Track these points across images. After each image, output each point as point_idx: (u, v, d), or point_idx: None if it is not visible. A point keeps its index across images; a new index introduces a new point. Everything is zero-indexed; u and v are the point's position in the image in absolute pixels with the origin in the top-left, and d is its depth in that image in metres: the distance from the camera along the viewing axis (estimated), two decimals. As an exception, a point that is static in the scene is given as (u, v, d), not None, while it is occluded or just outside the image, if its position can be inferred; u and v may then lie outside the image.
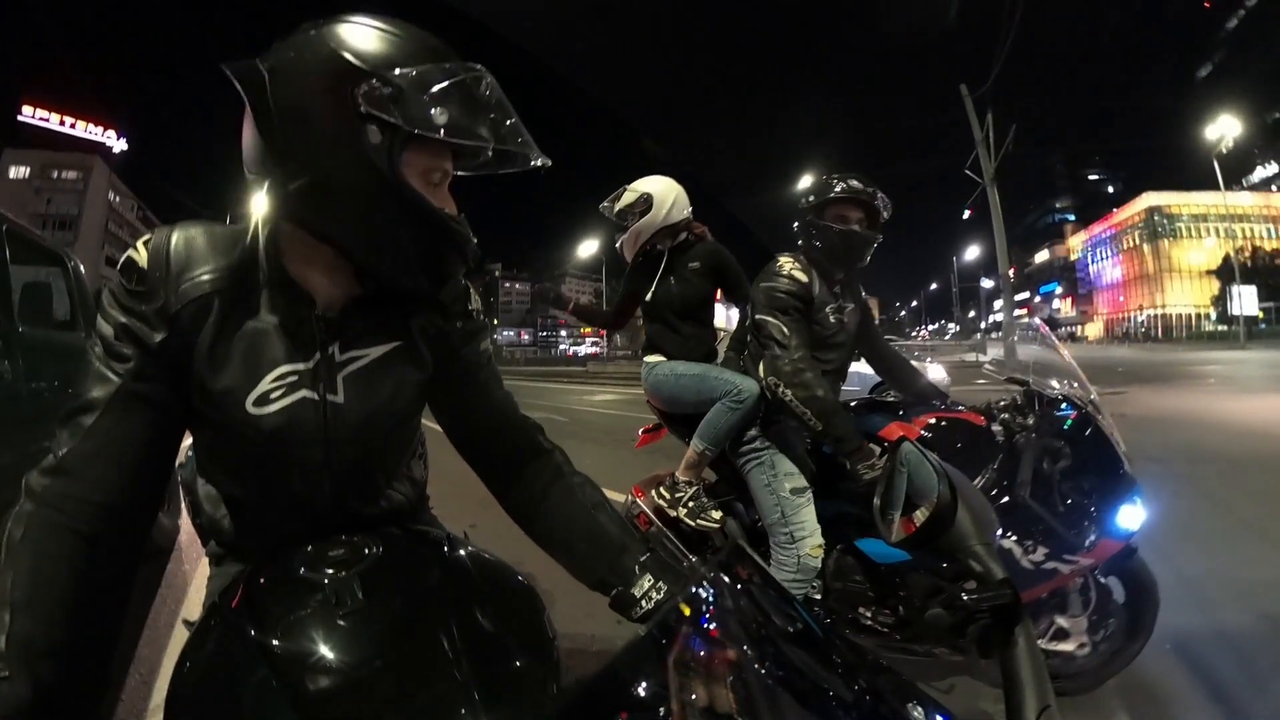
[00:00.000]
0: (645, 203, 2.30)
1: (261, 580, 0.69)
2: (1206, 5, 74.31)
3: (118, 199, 61.04)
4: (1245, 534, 3.42)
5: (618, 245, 2.44)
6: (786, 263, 1.93)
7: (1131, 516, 1.73)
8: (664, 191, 2.31)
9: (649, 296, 2.36)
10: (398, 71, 0.65)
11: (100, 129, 61.10)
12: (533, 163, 0.77)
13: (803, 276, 1.91)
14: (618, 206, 2.37)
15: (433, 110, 0.65)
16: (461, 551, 0.78)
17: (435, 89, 0.65)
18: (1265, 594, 2.60)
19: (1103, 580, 1.91)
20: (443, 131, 0.66)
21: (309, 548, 0.71)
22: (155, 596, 2.61)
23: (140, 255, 0.70)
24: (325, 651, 0.57)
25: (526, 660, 0.65)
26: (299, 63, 0.65)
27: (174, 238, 0.71)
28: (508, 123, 0.71)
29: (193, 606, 2.44)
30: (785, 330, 1.85)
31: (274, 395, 0.73)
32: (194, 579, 2.81)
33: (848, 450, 1.75)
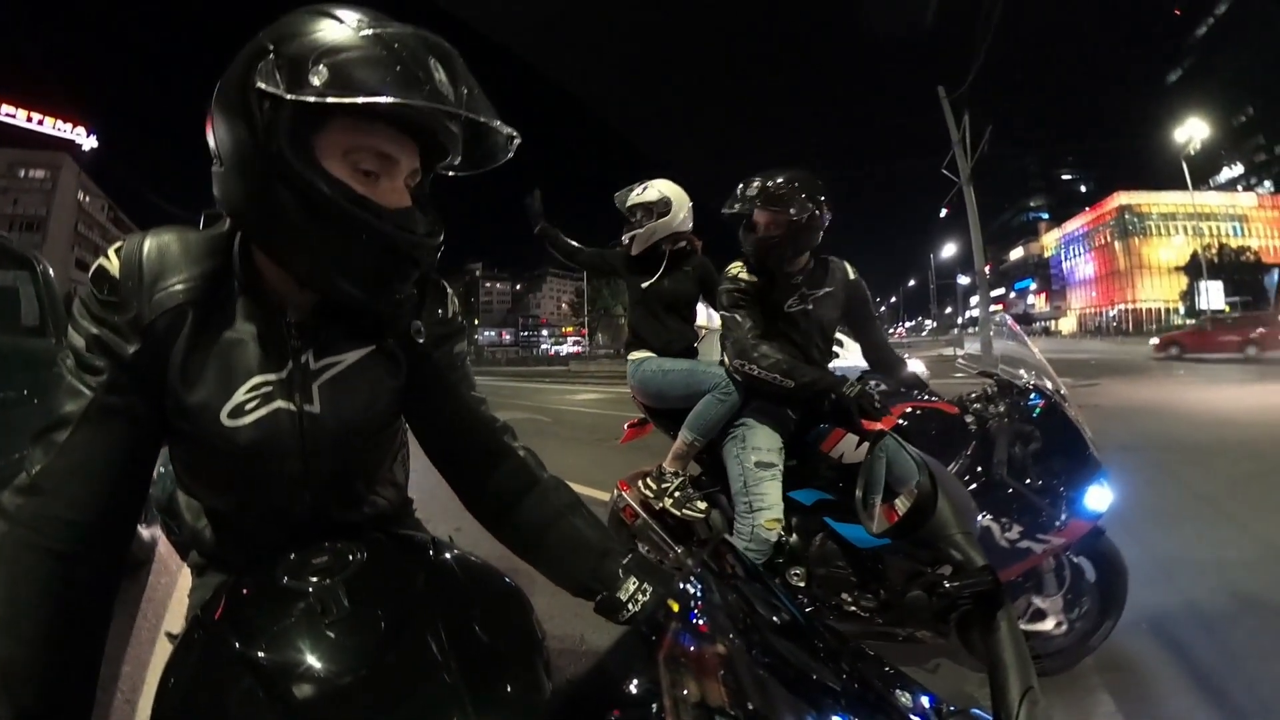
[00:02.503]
0: (665, 205, 2.44)
1: (244, 591, 0.68)
2: (1177, 13, 76.22)
3: (87, 199, 59.25)
4: (1213, 516, 3.55)
5: (626, 238, 2.51)
6: (734, 267, 2.13)
7: (1099, 498, 1.81)
8: (681, 200, 2.47)
9: (646, 285, 2.46)
10: (296, 41, 0.60)
11: (69, 126, 59.14)
12: (502, 133, 0.70)
13: (750, 277, 2.07)
14: (639, 199, 2.46)
15: (314, 71, 0.59)
16: (447, 555, 0.77)
17: (322, 49, 0.59)
18: (1233, 572, 2.71)
19: (1074, 560, 1.99)
20: (325, 94, 0.58)
21: (292, 556, 0.70)
22: (137, 610, 2.55)
23: (112, 264, 0.68)
24: (312, 661, 0.57)
25: (516, 662, 0.65)
26: (236, 57, 0.64)
27: (146, 245, 0.69)
28: (440, 83, 0.62)
29: (175, 619, 2.38)
30: (738, 318, 2.03)
31: (249, 407, 0.71)
32: (175, 590, 2.74)
33: (825, 387, 1.84)
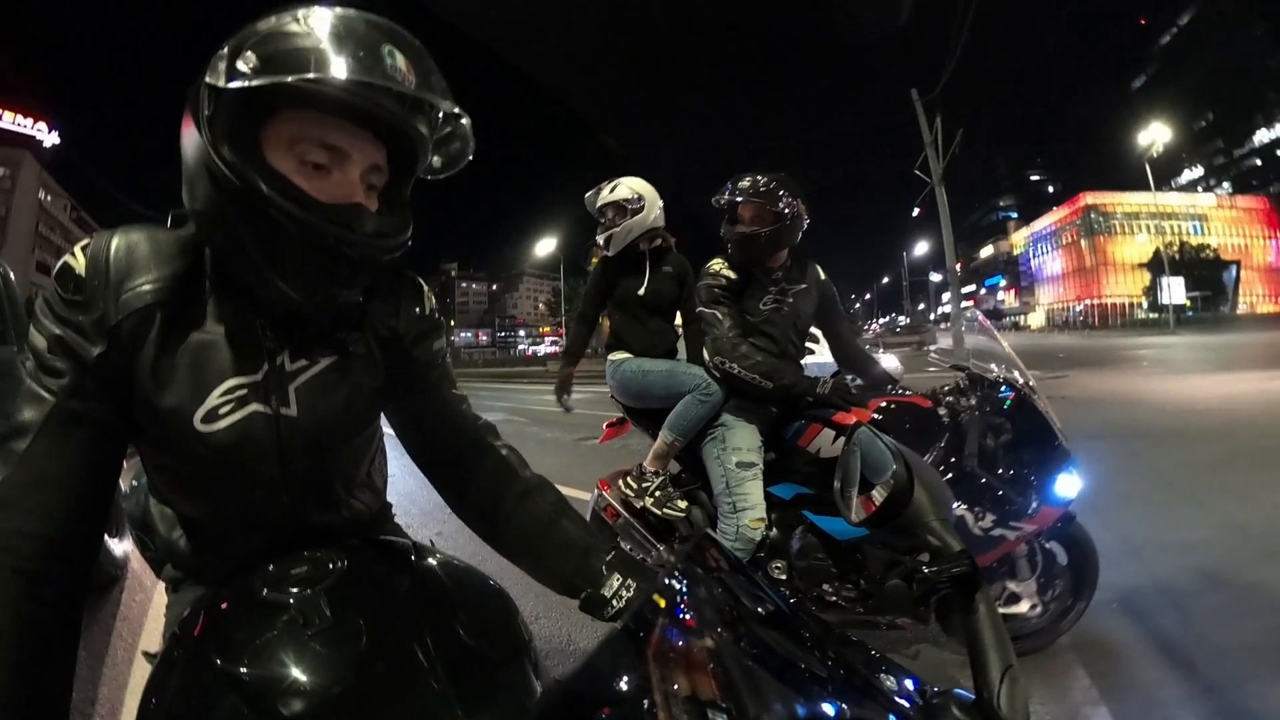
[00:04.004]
0: (639, 201, 2.40)
1: (223, 605, 0.66)
2: (1142, 22, 78.68)
3: (49, 198, 56.59)
4: (1178, 499, 3.68)
5: (603, 238, 2.46)
6: (716, 263, 2.19)
7: (1068, 485, 1.89)
8: (653, 196, 2.43)
9: (641, 291, 2.42)
10: (243, 34, 0.61)
11: (30, 121, 55.84)
12: (457, 120, 0.68)
13: (731, 274, 2.14)
14: (612, 197, 2.42)
15: (244, 57, 0.58)
16: (429, 559, 0.76)
17: (258, 36, 0.59)
18: (1198, 551, 2.83)
19: (1046, 545, 2.07)
20: (251, 79, 0.58)
21: (270, 567, 0.68)
22: (111, 629, 2.46)
23: (78, 262, 0.65)
24: (297, 674, 0.55)
25: (504, 664, 0.64)
26: None
27: (114, 243, 0.66)
28: (389, 67, 0.61)
29: (151, 637, 2.31)
30: (719, 315, 2.09)
31: (223, 411, 0.69)
32: (150, 608, 2.66)
33: (802, 391, 1.97)
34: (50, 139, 55.36)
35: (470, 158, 0.76)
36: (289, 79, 0.58)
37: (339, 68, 0.59)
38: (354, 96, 0.61)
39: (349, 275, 0.67)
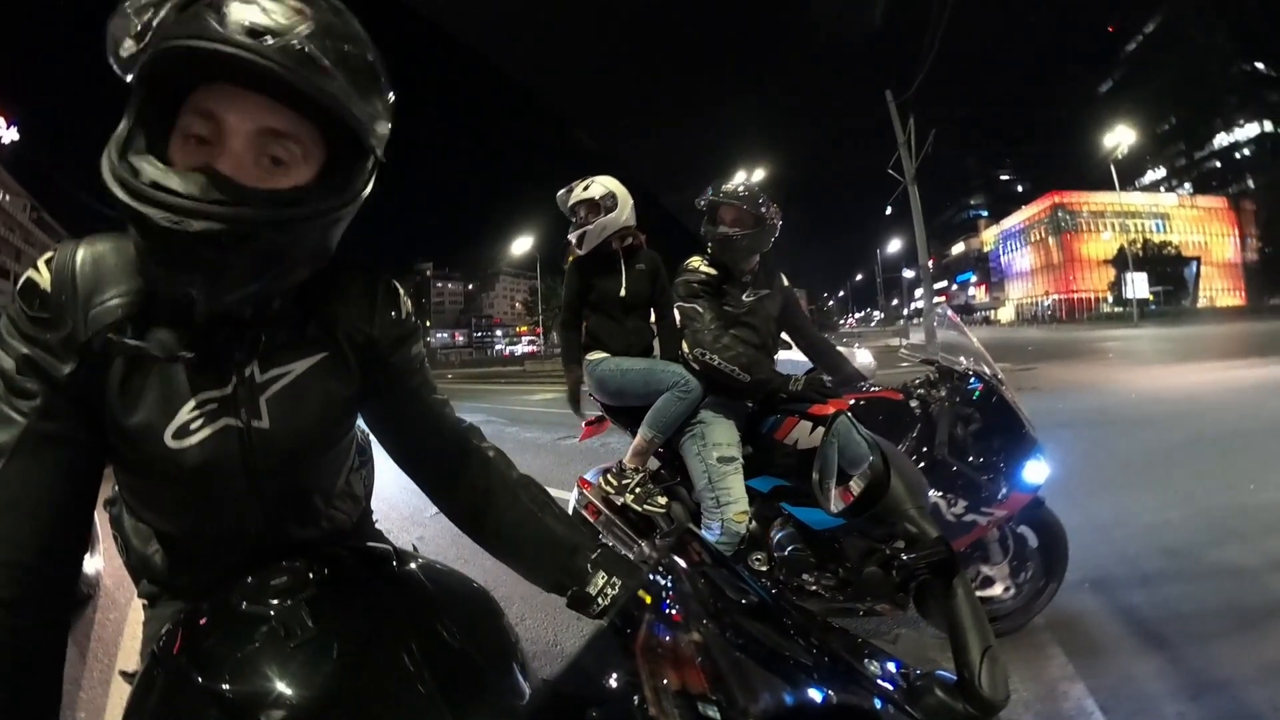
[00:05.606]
0: (611, 199, 2.39)
1: (202, 620, 0.64)
2: (1110, 30, 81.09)
3: (7, 198, 54.19)
4: (1144, 482, 3.82)
5: (575, 236, 2.43)
6: (695, 260, 2.27)
7: (1036, 471, 1.96)
8: (625, 194, 2.43)
9: (622, 293, 2.40)
10: None
11: None
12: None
13: (711, 270, 2.23)
14: (584, 195, 2.40)
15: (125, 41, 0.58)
16: (411, 565, 0.75)
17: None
18: (1164, 532, 2.94)
19: (1017, 530, 2.14)
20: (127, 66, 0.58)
21: (249, 579, 0.66)
22: (86, 649, 2.37)
23: (42, 276, 0.63)
24: (281, 688, 0.54)
25: (492, 667, 0.64)
26: None
27: (80, 256, 0.64)
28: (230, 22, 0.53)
29: (128, 656, 2.23)
30: (699, 309, 2.15)
31: (194, 426, 0.67)
32: (126, 625, 2.57)
33: (776, 387, 2.03)
34: (8, 135, 52.91)
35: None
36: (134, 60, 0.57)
37: (189, 35, 0.53)
38: (231, 60, 0.53)
39: (189, 259, 0.56)
